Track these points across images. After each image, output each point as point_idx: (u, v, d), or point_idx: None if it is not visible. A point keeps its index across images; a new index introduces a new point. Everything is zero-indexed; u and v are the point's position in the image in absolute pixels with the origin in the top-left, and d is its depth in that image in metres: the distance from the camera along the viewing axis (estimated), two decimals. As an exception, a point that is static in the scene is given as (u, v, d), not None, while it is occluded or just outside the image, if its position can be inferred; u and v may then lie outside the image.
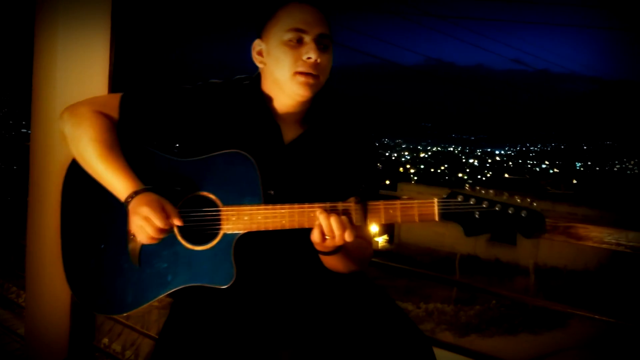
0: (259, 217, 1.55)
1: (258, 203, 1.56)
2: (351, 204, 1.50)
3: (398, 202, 1.50)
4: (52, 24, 2.60)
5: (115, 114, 1.69)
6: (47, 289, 2.71)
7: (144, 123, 1.69)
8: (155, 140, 1.71)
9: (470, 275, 18.30)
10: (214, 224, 1.58)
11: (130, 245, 1.63)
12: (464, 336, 12.47)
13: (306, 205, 1.52)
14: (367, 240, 1.73)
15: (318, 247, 1.54)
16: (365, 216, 1.50)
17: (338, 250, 1.55)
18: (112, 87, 2.69)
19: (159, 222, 1.52)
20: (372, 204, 1.50)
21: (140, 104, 1.70)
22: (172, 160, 1.67)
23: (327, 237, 1.50)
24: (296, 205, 1.53)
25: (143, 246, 1.62)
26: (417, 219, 1.49)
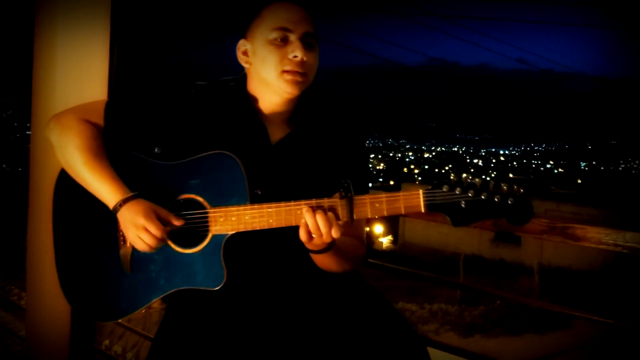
0: (246, 217, 1.54)
1: (245, 203, 1.55)
2: (337, 200, 1.49)
3: (384, 195, 1.48)
4: (51, 26, 2.60)
5: (100, 120, 1.68)
6: (47, 291, 2.71)
7: (129, 128, 1.69)
8: (142, 145, 1.69)
9: (474, 275, 18.29)
10: (202, 226, 1.58)
11: (121, 251, 1.63)
12: (468, 336, 12.47)
13: (292, 203, 1.51)
14: (360, 239, 1.71)
15: (308, 246, 1.53)
16: (351, 211, 1.48)
17: (328, 248, 1.54)
18: (112, 89, 2.69)
19: (156, 232, 1.52)
20: (358, 198, 1.48)
21: (124, 109, 1.70)
22: (159, 164, 1.66)
23: (314, 234, 1.48)
24: (282, 204, 1.52)
25: (134, 252, 1.62)
26: (403, 211, 1.47)
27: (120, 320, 2.90)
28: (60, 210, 1.77)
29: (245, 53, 1.69)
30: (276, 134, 1.70)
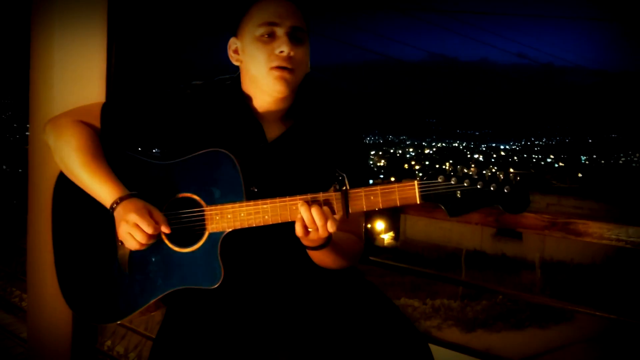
0: (242, 214, 1.54)
1: (241, 201, 1.55)
2: (331, 194, 1.48)
3: (378, 187, 1.47)
4: (48, 27, 2.59)
5: (97, 122, 1.69)
6: (48, 293, 2.71)
7: (125, 130, 1.69)
8: (139, 146, 1.71)
9: (476, 270, 18.28)
10: (199, 224, 1.57)
11: (120, 252, 1.63)
12: (471, 331, 12.45)
13: (287, 199, 1.50)
14: (358, 235, 1.70)
15: (304, 242, 1.52)
16: (346, 204, 1.47)
17: (325, 244, 1.53)
18: (109, 90, 2.68)
19: (147, 229, 1.52)
20: (353, 191, 1.47)
21: (121, 111, 1.70)
22: (155, 164, 1.66)
23: (309, 229, 1.47)
24: (277, 199, 1.51)
25: (132, 252, 1.62)
26: (398, 202, 1.46)
27: (119, 322, 2.90)
28: (59, 212, 1.78)
29: (236, 51, 1.69)
30: (272, 131, 1.70)
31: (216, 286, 1.55)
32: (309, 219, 1.46)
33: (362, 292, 1.64)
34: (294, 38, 1.60)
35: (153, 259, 1.61)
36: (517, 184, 1.42)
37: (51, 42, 2.57)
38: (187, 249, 1.59)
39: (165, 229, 1.54)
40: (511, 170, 1.45)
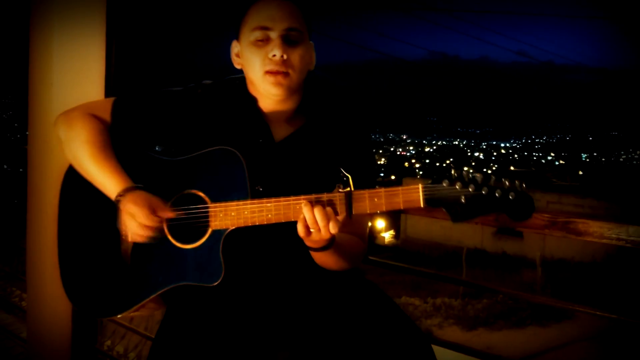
0: (246, 212, 1.53)
1: (245, 199, 1.55)
2: (335, 194, 1.47)
3: (382, 189, 1.46)
4: (47, 26, 2.60)
5: (107, 117, 1.71)
6: (48, 292, 2.71)
7: (135, 126, 1.71)
8: (148, 142, 1.72)
9: (477, 269, 18.28)
10: (203, 221, 1.57)
11: (123, 247, 1.64)
12: (472, 330, 12.45)
13: (291, 198, 1.50)
14: (361, 236, 1.70)
15: (307, 243, 1.52)
16: (350, 206, 1.47)
17: (328, 246, 1.52)
18: (108, 90, 2.68)
19: (143, 219, 1.52)
20: (357, 192, 1.47)
21: (132, 107, 1.72)
22: (163, 159, 1.67)
23: (311, 229, 1.46)
24: (282, 199, 1.51)
25: (134, 247, 1.63)
26: (402, 205, 1.45)
27: (120, 318, 2.90)
28: (66, 205, 1.78)
29: (237, 55, 1.69)
30: (280, 131, 1.70)
31: (217, 284, 1.54)
32: (311, 219, 1.45)
33: (362, 292, 1.64)
34: (287, 40, 1.59)
35: (155, 254, 1.61)
36: (523, 191, 1.41)
37: (50, 41, 2.58)
38: (190, 245, 1.59)
39: (166, 214, 1.56)
40: (517, 178, 1.44)
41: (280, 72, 1.59)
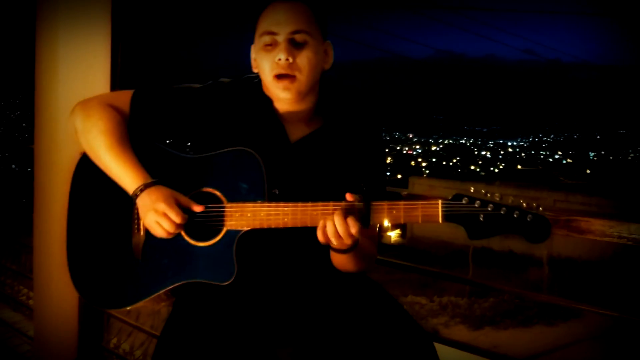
0: (262, 215, 1.55)
1: (262, 201, 1.56)
2: (354, 204, 1.50)
3: (402, 202, 1.50)
4: (52, 25, 2.61)
5: (126, 109, 1.72)
6: (54, 291, 2.73)
7: (154, 120, 1.72)
8: (165, 137, 1.73)
9: (484, 267, 18.22)
10: (218, 220, 1.59)
11: (134, 240, 1.65)
12: (479, 329, 12.42)
13: (309, 204, 1.52)
14: (373, 239, 1.73)
15: (331, 245, 1.54)
16: (368, 217, 1.49)
17: (352, 249, 1.55)
18: (114, 87, 2.69)
19: (176, 218, 1.54)
20: (376, 204, 1.50)
21: (151, 101, 1.73)
22: (180, 156, 1.68)
23: (331, 237, 1.49)
24: (299, 204, 1.53)
25: (146, 241, 1.64)
26: (420, 220, 1.48)
27: (125, 317, 2.91)
28: (76, 196, 1.79)
29: (254, 59, 1.72)
30: (296, 133, 1.72)
31: (228, 283, 1.56)
32: (332, 229, 1.48)
33: (365, 291, 1.65)
34: (293, 43, 1.62)
35: (167, 250, 1.63)
36: (541, 214, 1.43)
37: (56, 39, 2.60)
38: (203, 243, 1.60)
39: (197, 208, 1.58)
40: (535, 200, 1.46)
41: (287, 76, 1.61)
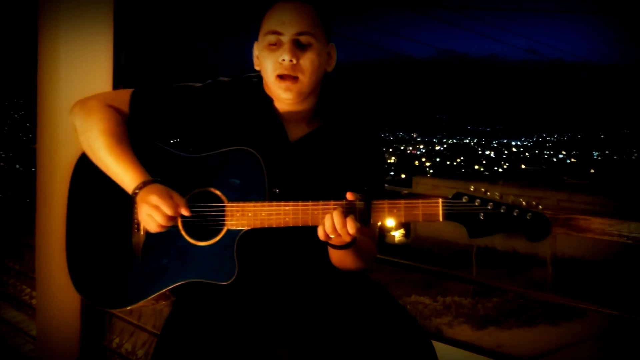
0: (263, 214, 1.55)
1: (263, 200, 1.56)
2: (355, 203, 1.49)
3: (402, 201, 1.50)
4: (54, 26, 2.62)
5: (125, 108, 1.71)
6: (57, 290, 2.73)
7: (153, 119, 1.71)
8: (165, 137, 1.72)
9: (487, 267, 18.21)
10: (218, 219, 1.59)
11: (134, 239, 1.65)
12: (482, 329, 12.42)
13: (310, 204, 1.52)
14: (373, 238, 1.72)
15: (329, 241, 1.54)
16: (369, 216, 1.49)
17: (349, 245, 1.54)
18: (116, 88, 2.69)
19: (168, 210, 1.54)
20: (376, 203, 1.50)
21: (150, 100, 1.72)
22: (180, 155, 1.68)
23: (331, 235, 1.49)
24: (300, 203, 1.53)
25: (146, 240, 1.63)
26: (421, 218, 1.49)
27: (127, 317, 2.91)
28: (75, 195, 1.79)
29: (257, 57, 1.71)
30: (295, 132, 1.72)
31: (228, 283, 1.56)
32: (331, 227, 1.48)
33: (366, 290, 1.65)
34: (298, 44, 1.62)
35: (167, 249, 1.63)
36: (540, 212, 1.44)
37: (57, 38, 2.60)
38: (204, 242, 1.60)
39: (185, 212, 1.56)
40: (534, 199, 1.46)
41: (289, 76, 1.60)
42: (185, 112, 1.71)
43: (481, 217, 1.46)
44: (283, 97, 1.64)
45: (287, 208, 1.54)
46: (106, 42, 2.70)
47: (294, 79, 1.62)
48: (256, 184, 1.59)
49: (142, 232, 1.64)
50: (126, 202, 1.63)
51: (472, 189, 1.47)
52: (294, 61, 1.60)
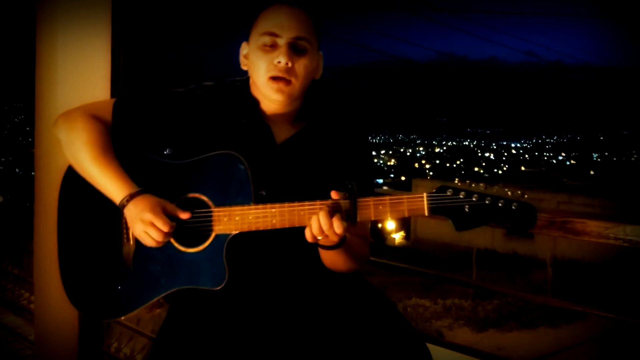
0: (250, 217, 1.54)
1: (249, 203, 1.55)
2: (340, 202, 1.49)
3: (387, 197, 1.48)
4: (52, 30, 2.61)
5: (108, 118, 1.70)
6: (55, 295, 2.72)
7: (137, 127, 1.70)
8: (149, 144, 1.70)
9: (487, 270, 18.23)
10: (206, 225, 1.58)
11: (124, 249, 1.64)
12: (483, 331, 12.43)
13: (296, 204, 1.51)
14: (364, 238, 1.71)
15: (318, 242, 1.53)
16: (355, 213, 1.48)
17: (339, 245, 1.54)
18: (114, 90, 2.69)
19: (164, 227, 1.52)
20: (362, 200, 1.49)
21: (133, 109, 1.71)
22: (165, 163, 1.67)
23: (318, 236, 1.48)
24: (286, 204, 1.52)
25: (136, 250, 1.62)
26: (406, 214, 1.47)
27: (125, 321, 2.90)
28: (65, 208, 1.78)
29: (245, 56, 1.70)
30: (281, 134, 1.70)
31: (220, 288, 1.55)
32: (317, 227, 1.47)
33: (361, 293, 1.65)
34: (294, 49, 1.61)
35: (158, 257, 1.61)
36: (525, 202, 1.43)
37: (55, 42, 2.59)
38: (193, 249, 1.59)
39: (183, 215, 1.56)
40: (519, 188, 1.46)
41: (283, 79, 1.60)
42: (169, 118, 1.70)
43: (466, 210, 1.45)
44: (274, 98, 1.63)
45: (273, 210, 1.53)
46: (104, 45, 2.69)
47: (287, 81, 1.61)
48: (242, 187, 1.57)
49: (132, 242, 1.62)
50: (115, 213, 1.62)
51: (457, 181, 1.47)
52: (290, 64, 1.60)
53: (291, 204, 1.51)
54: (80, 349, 2.79)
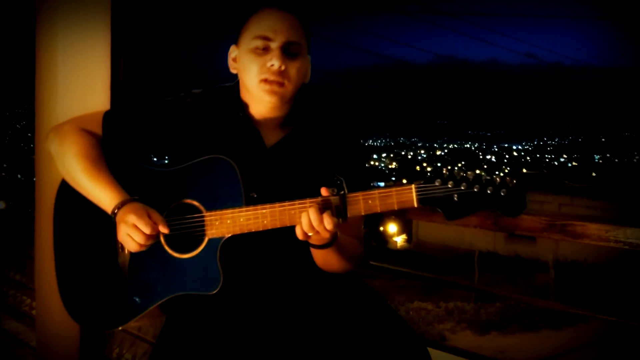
0: (241, 219, 1.55)
1: (240, 206, 1.55)
2: (330, 198, 1.49)
3: (376, 191, 1.48)
4: (52, 36, 2.61)
5: (98, 130, 1.72)
6: (56, 301, 2.71)
7: (127, 138, 1.72)
8: (140, 154, 1.73)
9: (489, 272, 18.20)
10: (199, 230, 1.58)
11: (120, 259, 1.64)
12: (485, 334, 12.40)
13: (286, 204, 1.52)
14: (358, 238, 1.71)
15: (309, 241, 1.53)
16: (345, 209, 1.48)
17: (330, 243, 1.53)
18: (114, 97, 2.69)
19: (145, 229, 1.52)
20: (351, 195, 1.48)
21: (122, 120, 1.73)
22: (156, 171, 1.68)
23: (309, 233, 1.48)
24: (277, 204, 1.52)
25: (132, 258, 1.63)
26: (396, 206, 1.47)
27: (123, 329, 2.91)
28: (60, 220, 1.80)
29: (235, 59, 1.71)
30: (271, 137, 1.71)
31: (215, 292, 1.55)
32: (308, 224, 1.47)
33: (360, 297, 1.64)
34: (287, 52, 1.62)
35: (153, 265, 1.62)
36: (514, 187, 1.42)
37: (55, 49, 2.59)
38: (187, 254, 1.59)
39: (163, 229, 1.55)
40: (508, 174, 1.46)
41: (276, 81, 1.60)
42: (158, 127, 1.71)
43: (455, 199, 1.44)
44: (266, 100, 1.63)
45: (264, 211, 1.53)
46: (104, 49, 2.68)
47: (280, 84, 1.62)
48: (232, 190, 1.57)
49: (126, 252, 1.63)
50: (109, 223, 1.62)
51: (445, 171, 1.46)
52: (283, 68, 1.61)
53: (282, 204, 1.52)
54: (82, 355, 2.79)
